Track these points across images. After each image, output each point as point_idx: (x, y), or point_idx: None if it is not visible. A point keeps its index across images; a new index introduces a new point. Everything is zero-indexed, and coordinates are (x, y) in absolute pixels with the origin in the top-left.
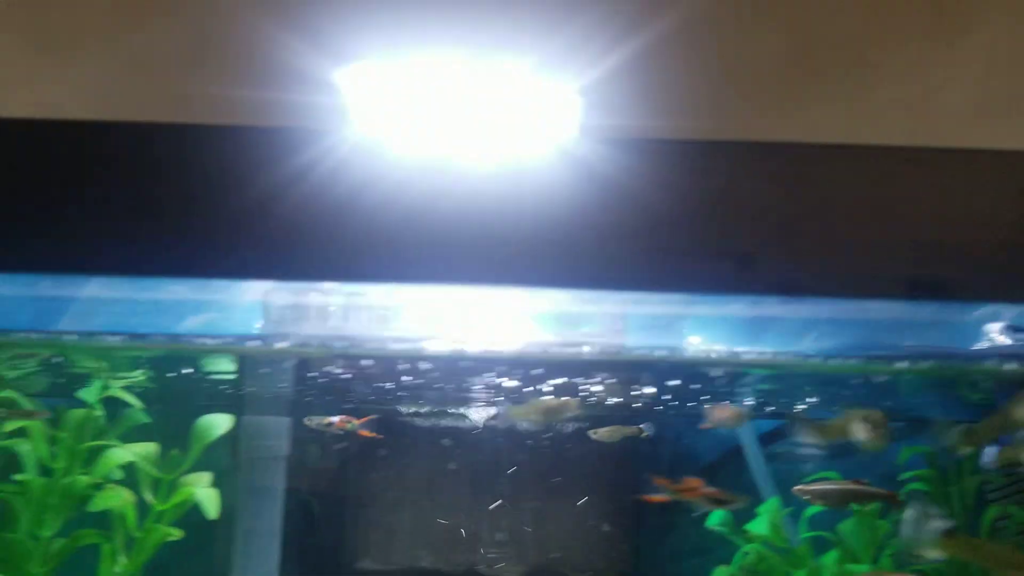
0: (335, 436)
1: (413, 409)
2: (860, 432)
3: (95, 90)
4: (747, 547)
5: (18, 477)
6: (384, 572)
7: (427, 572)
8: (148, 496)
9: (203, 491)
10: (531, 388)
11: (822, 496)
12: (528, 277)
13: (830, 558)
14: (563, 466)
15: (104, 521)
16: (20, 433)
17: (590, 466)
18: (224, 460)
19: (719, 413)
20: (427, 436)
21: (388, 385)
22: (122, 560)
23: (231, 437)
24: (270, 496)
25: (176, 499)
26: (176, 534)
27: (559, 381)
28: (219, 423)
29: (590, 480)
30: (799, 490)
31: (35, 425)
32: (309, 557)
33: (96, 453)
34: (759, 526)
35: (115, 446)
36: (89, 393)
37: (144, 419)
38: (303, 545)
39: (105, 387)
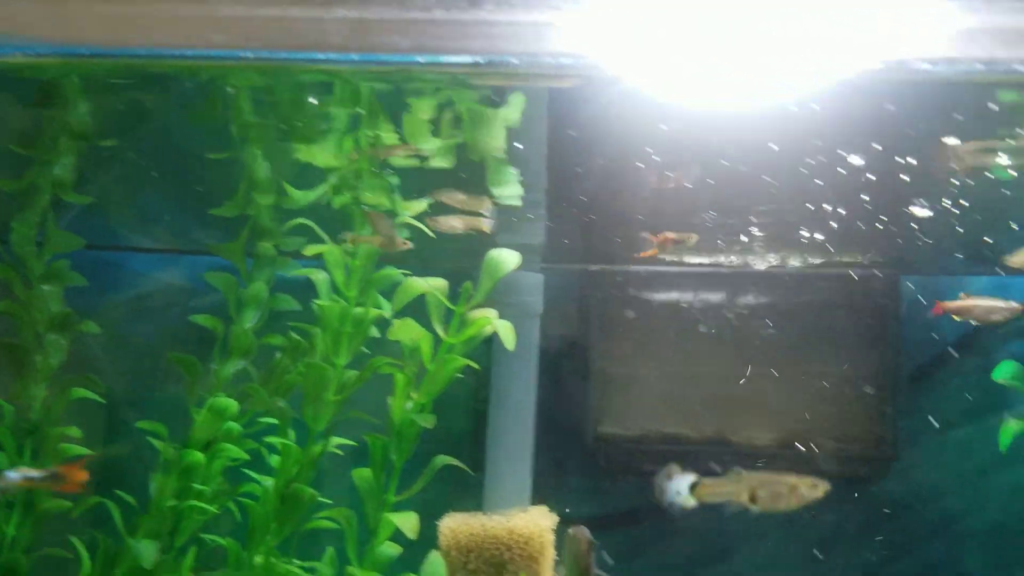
0: (584, 295)
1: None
2: None
3: None
4: None
5: (317, 303)
6: (627, 438)
7: (671, 438)
8: (439, 329)
9: (500, 323)
10: None
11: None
12: None
13: None
14: (814, 329)
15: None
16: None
17: (843, 330)
18: None
19: None
20: (677, 295)
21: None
22: (413, 393)
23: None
24: (524, 354)
25: (468, 332)
26: (474, 366)
27: None
28: (509, 259)
29: (843, 345)
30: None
31: (332, 252)
32: (557, 417)
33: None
34: None
35: (408, 275)
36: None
37: None
38: (552, 405)
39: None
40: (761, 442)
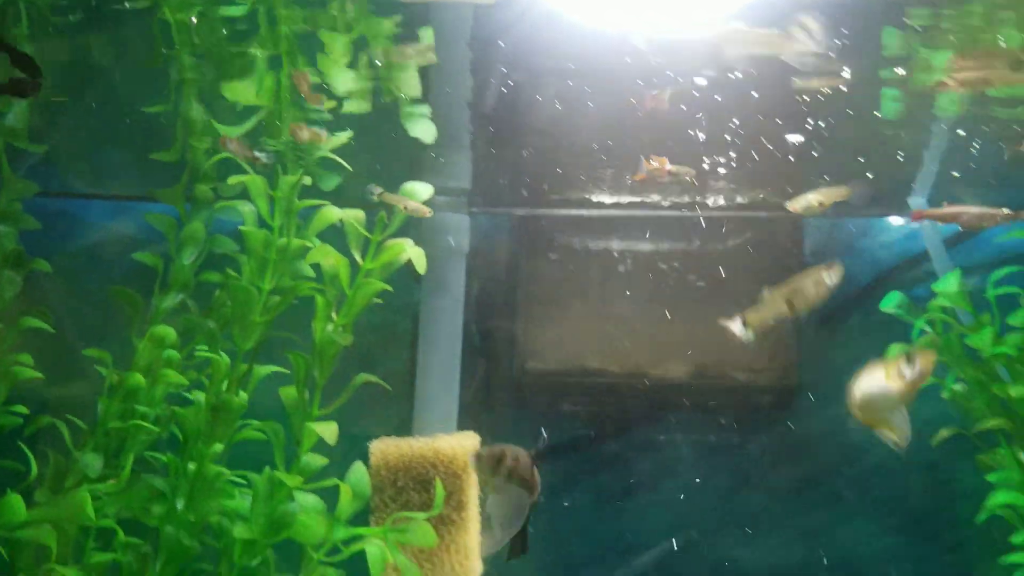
0: (511, 237)
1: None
2: None
3: None
4: (928, 317)
5: (242, 228)
6: (552, 372)
7: (593, 372)
8: (356, 255)
9: (413, 250)
10: None
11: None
12: None
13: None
14: (725, 269)
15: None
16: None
17: (750, 269)
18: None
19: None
20: (599, 239)
21: None
22: (334, 315)
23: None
24: (451, 291)
25: (384, 258)
26: (388, 288)
27: None
28: (421, 189)
29: (750, 284)
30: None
31: (255, 181)
32: (484, 353)
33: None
34: (947, 284)
35: (327, 206)
36: None
37: None
38: (478, 341)
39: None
40: (676, 374)
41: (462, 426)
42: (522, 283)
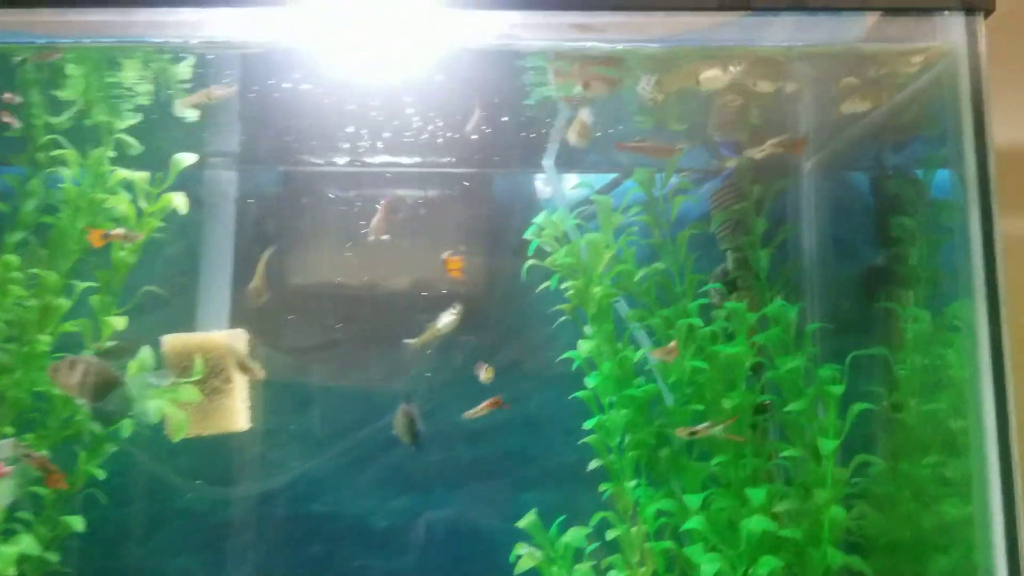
0: (277, 182)
1: None
2: None
3: None
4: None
5: (61, 185)
6: (309, 286)
7: (339, 287)
8: (143, 203)
9: (179, 198)
10: None
11: None
12: None
13: None
14: (438, 209)
15: None
16: None
17: (456, 209)
18: None
19: None
20: (340, 187)
21: None
22: (126, 245)
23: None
24: (223, 227)
25: (160, 204)
26: (162, 224)
27: None
28: (187, 157)
29: (456, 220)
30: None
31: (71, 155)
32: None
33: None
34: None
35: (118, 169)
36: None
37: None
38: (245, 266)
39: None
40: (400, 287)
41: (233, 325)
42: (285, 219)
